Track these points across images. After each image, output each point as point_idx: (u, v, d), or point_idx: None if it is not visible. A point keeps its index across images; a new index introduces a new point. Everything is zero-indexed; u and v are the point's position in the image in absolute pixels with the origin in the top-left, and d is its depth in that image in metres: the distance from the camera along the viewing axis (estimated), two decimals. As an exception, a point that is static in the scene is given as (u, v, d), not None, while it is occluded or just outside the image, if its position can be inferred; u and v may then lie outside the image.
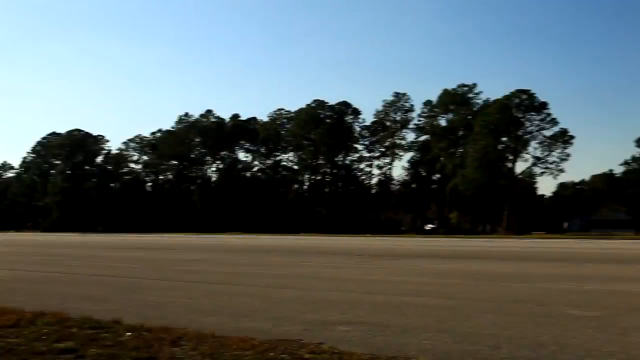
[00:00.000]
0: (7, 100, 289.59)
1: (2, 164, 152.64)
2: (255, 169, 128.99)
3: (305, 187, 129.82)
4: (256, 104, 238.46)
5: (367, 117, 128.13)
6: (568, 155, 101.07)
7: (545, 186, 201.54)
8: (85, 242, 48.24)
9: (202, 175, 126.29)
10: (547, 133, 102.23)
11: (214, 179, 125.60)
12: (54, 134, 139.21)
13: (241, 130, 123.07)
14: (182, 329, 7.83)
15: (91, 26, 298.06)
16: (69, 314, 8.84)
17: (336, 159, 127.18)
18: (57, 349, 6.62)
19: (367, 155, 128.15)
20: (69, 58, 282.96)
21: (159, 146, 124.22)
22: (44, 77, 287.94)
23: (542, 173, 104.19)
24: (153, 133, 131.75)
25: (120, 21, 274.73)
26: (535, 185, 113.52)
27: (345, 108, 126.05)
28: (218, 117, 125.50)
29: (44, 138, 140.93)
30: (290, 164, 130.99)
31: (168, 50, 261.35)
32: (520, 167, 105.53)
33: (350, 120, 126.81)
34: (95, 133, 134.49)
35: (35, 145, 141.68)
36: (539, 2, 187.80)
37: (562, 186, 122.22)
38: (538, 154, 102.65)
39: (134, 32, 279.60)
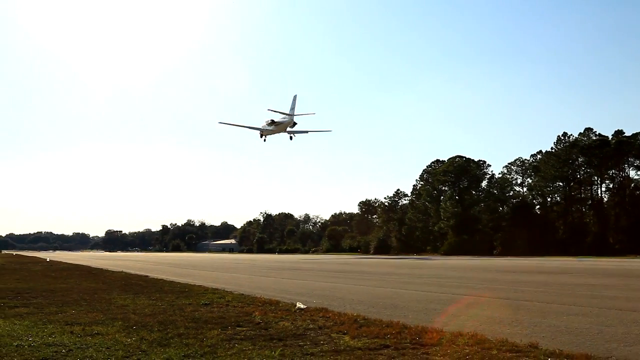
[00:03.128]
0: (393, 131, 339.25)
1: (396, 191, 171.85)
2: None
3: None
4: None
5: None
6: None
7: None
8: (482, 265, 49.66)
9: (593, 197, 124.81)
10: None
11: (605, 199, 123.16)
12: (437, 161, 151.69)
13: (628, 147, 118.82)
14: (605, 358, 8.25)
15: (463, 59, 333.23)
16: (485, 335, 9.73)
17: None
18: None
19: None
20: (446, 90, 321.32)
21: (541, 168, 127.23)
22: (425, 108, 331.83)
23: None
24: (533, 155, 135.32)
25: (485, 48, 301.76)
26: None
27: None
28: (600, 135, 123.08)
29: (429, 166, 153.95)
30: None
31: (542, 71, 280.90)
32: None
33: None
34: (475, 158, 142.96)
35: (422, 173, 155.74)
36: None
37: None
38: None
39: (501, 56, 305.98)
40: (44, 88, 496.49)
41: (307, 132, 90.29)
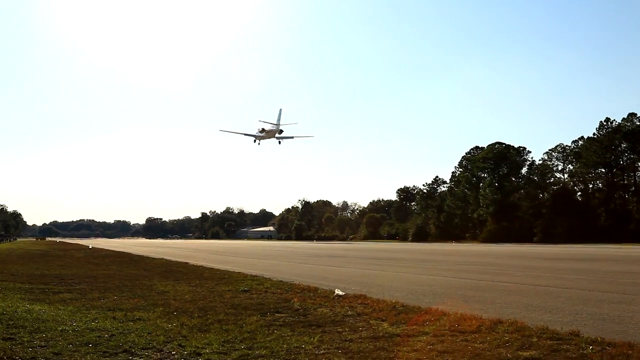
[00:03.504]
0: (432, 118, 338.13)
1: (435, 178, 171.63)
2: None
3: None
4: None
5: None
6: None
7: None
8: (522, 252, 49.43)
9: (636, 183, 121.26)
10: None
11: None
12: (476, 148, 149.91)
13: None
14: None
15: (501, 45, 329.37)
16: (525, 323, 9.49)
17: None
18: (522, 357, 7.23)
19: None
20: (484, 76, 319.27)
21: (582, 154, 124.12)
22: (464, 95, 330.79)
23: None
24: (574, 141, 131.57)
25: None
26: None
27: None
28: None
29: (468, 153, 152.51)
30: None
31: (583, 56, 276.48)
32: None
33: None
34: (515, 145, 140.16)
35: (461, 160, 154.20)
36: None
37: None
38: None
39: (541, 42, 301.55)
40: (81, 77, 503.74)
41: (292, 137, 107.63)
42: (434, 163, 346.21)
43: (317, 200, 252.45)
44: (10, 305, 12.08)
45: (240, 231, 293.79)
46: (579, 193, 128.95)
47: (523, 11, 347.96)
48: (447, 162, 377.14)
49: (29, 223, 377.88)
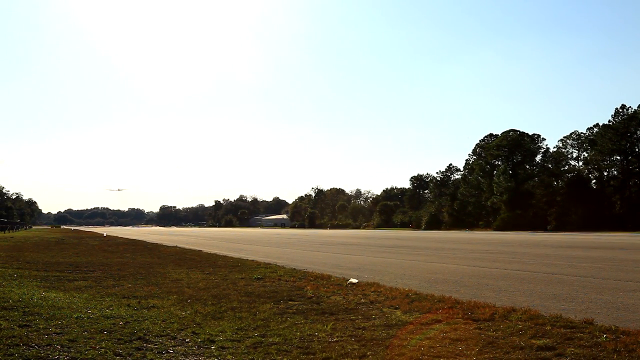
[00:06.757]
0: (445, 105, 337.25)
1: (448, 166, 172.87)
2: None
3: None
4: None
5: None
6: None
7: None
8: (536, 240, 49.11)
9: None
10: None
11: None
12: (490, 135, 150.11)
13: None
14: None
15: (516, 32, 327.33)
16: (539, 311, 9.46)
17: None
18: (535, 345, 7.19)
19: None
20: (499, 63, 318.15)
21: (597, 142, 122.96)
22: (478, 82, 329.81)
23: None
24: (589, 128, 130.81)
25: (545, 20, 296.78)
26: None
27: None
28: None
29: (482, 140, 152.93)
30: None
31: (596, 42, 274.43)
32: None
33: None
34: (530, 132, 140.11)
35: (475, 148, 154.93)
36: None
37: None
38: None
39: (556, 29, 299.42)
40: (97, 65, 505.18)
41: (123, 190, 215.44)
42: (447, 151, 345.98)
43: (331, 188, 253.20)
44: (26, 292, 12.17)
45: (254, 219, 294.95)
46: (594, 181, 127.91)
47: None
48: (461, 150, 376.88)
49: (44, 211, 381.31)
